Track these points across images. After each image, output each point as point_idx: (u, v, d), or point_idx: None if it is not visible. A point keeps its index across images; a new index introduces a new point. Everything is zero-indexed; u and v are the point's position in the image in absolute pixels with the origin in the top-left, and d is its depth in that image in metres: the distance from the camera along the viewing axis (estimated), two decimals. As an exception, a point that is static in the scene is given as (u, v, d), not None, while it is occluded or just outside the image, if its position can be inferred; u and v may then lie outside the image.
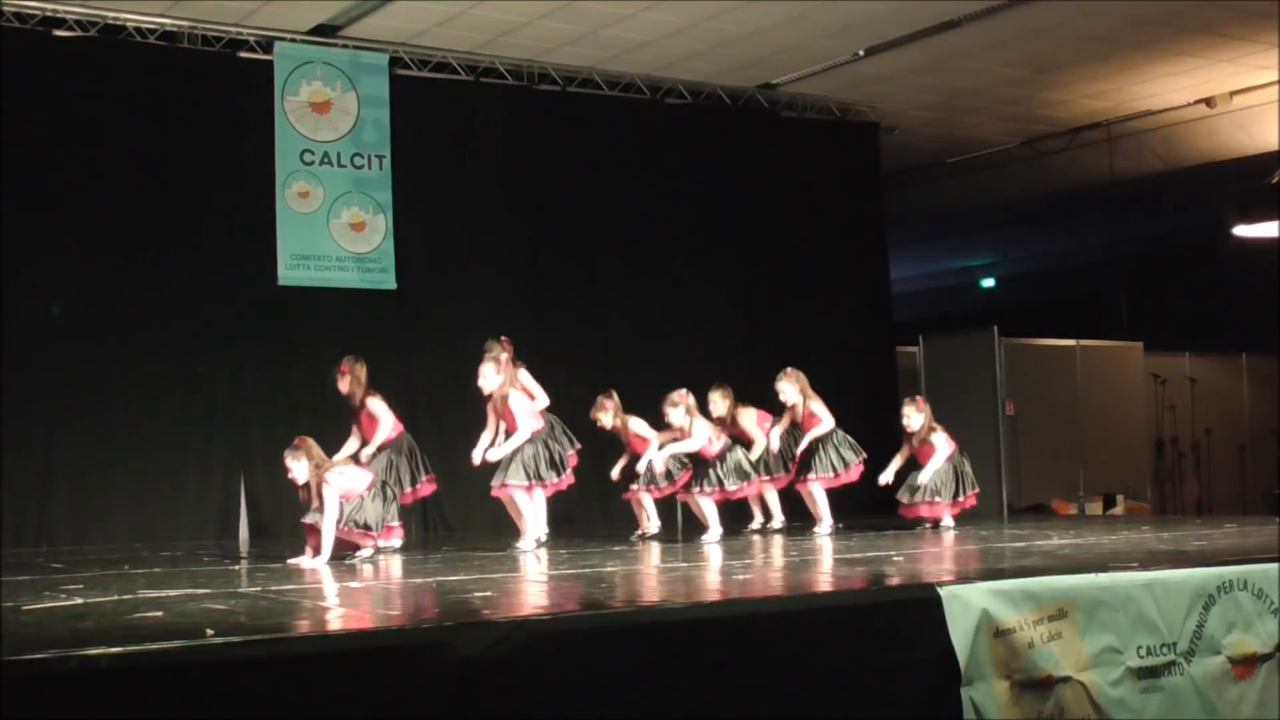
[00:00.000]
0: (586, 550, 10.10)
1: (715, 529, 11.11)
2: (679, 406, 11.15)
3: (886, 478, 11.98)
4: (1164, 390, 17.74)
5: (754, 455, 11.71)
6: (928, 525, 11.83)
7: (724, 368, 12.86)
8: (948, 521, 11.81)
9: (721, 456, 11.25)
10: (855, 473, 11.78)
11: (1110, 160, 17.73)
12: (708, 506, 11.26)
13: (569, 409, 11.27)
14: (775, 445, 11.83)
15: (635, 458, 11.35)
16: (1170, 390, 17.81)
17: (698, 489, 11.25)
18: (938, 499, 11.82)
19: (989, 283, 24.93)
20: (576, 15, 13.35)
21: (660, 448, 11.15)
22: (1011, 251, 23.63)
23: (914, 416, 12.13)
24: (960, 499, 11.93)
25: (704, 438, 11.18)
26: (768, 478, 11.99)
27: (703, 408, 11.52)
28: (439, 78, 14.42)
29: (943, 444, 11.99)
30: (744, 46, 14.44)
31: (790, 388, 11.83)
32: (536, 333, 13.56)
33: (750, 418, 12.07)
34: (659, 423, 11.28)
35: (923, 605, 6.08)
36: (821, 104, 16.48)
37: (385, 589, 7.55)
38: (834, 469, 11.68)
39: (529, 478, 10.31)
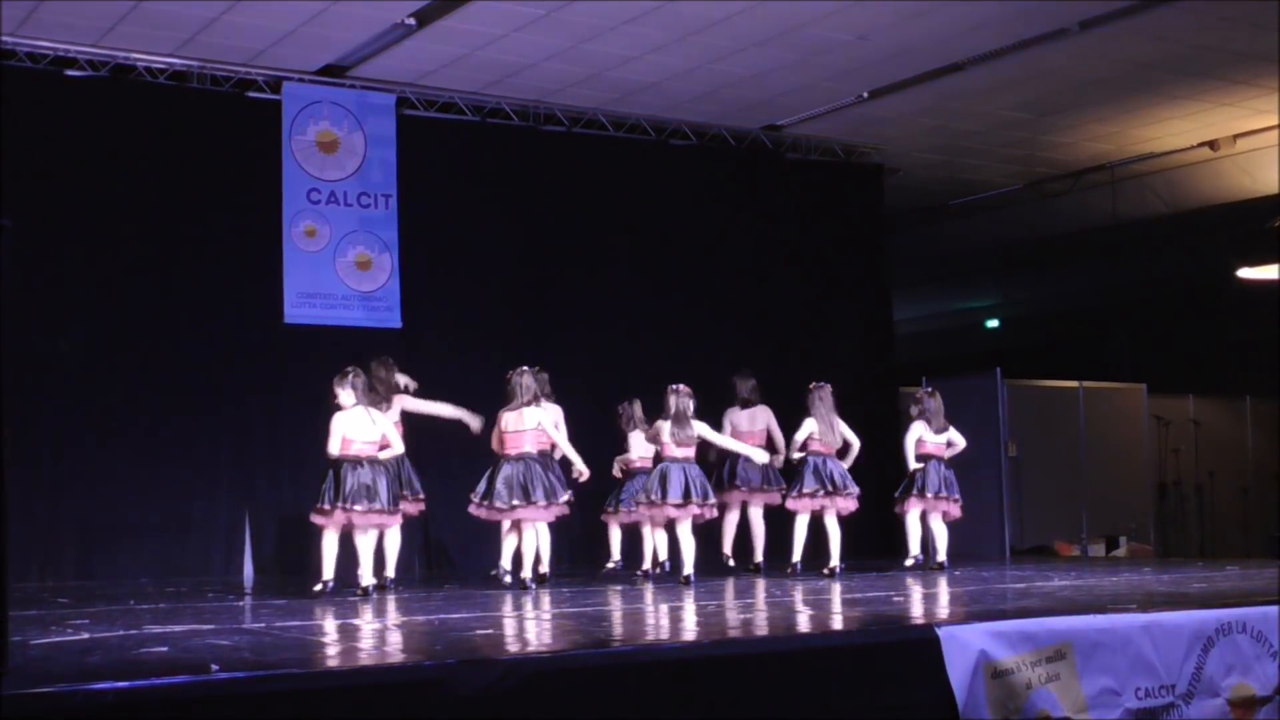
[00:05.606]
0: (589, 588, 10.13)
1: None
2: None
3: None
4: (1167, 432, 17.73)
5: None
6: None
7: (728, 407, 12.83)
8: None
9: None
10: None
11: (1113, 203, 17.78)
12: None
13: (575, 444, 11.27)
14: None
15: None
16: (1173, 432, 17.80)
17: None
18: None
19: (993, 324, 24.91)
20: (582, 57, 13.45)
21: None
22: (1015, 293, 23.64)
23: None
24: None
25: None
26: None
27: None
28: (445, 118, 14.52)
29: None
30: (749, 89, 14.53)
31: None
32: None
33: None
34: None
35: (921, 646, 6.12)
36: (826, 146, 16.57)
37: (388, 626, 7.58)
38: None
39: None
